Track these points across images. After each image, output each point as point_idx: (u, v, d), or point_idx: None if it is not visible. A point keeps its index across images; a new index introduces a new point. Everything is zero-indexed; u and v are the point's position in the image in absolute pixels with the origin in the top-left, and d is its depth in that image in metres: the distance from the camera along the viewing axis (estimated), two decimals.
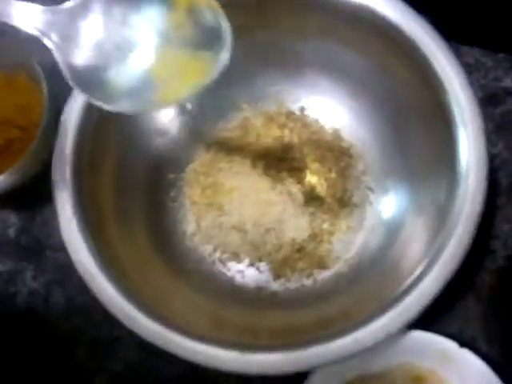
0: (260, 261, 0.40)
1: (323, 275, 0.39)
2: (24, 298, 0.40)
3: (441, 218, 0.32)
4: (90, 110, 0.36)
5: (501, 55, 0.43)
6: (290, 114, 0.42)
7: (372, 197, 0.40)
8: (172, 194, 0.42)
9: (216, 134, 0.42)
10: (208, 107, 0.41)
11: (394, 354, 0.35)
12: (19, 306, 0.40)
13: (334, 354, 0.30)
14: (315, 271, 0.39)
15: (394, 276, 0.34)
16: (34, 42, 0.45)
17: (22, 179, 0.40)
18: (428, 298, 0.31)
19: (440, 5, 0.39)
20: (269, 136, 0.42)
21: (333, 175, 0.40)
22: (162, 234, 0.40)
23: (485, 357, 0.35)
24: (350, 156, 0.41)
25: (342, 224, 0.40)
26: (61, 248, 0.41)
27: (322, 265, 0.39)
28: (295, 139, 0.41)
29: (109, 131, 0.38)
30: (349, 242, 0.39)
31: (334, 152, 0.41)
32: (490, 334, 0.38)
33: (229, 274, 0.40)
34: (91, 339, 0.39)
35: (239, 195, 0.41)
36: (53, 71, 0.41)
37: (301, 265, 0.39)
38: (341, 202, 0.40)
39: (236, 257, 0.40)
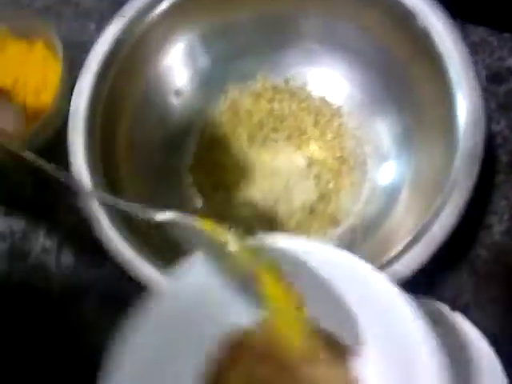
0: (275, 230, 0.41)
1: (337, 232, 0.40)
2: (36, 255, 0.42)
3: (439, 177, 0.34)
4: (104, 77, 0.38)
5: (506, 35, 0.43)
6: (275, 88, 0.43)
7: (370, 150, 0.41)
8: (176, 178, 0.42)
9: (207, 121, 0.43)
10: (196, 94, 0.43)
11: None
12: (32, 261, 0.42)
13: None
14: (329, 229, 0.40)
15: (397, 228, 0.37)
16: (50, 12, 0.47)
17: (37, 144, 0.42)
18: (425, 257, 0.33)
19: None
20: (259, 111, 0.43)
21: (328, 136, 0.42)
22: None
23: (476, 325, 0.36)
24: (341, 115, 0.42)
25: (346, 181, 0.41)
26: (72, 208, 0.43)
27: (334, 222, 0.40)
28: (286, 110, 0.43)
29: (118, 109, 0.40)
30: (355, 197, 0.41)
31: (325, 115, 0.42)
32: (483, 305, 0.39)
33: None
34: (100, 293, 0.41)
35: (243, 172, 0.42)
36: (68, 41, 0.43)
37: (314, 226, 0.40)
38: (341, 160, 0.41)
39: (250, 231, 0.41)
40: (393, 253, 0.33)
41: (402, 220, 0.38)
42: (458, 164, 0.34)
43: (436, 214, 0.34)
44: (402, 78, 0.39)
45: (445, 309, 0.35)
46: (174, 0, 0.39)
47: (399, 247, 0.33)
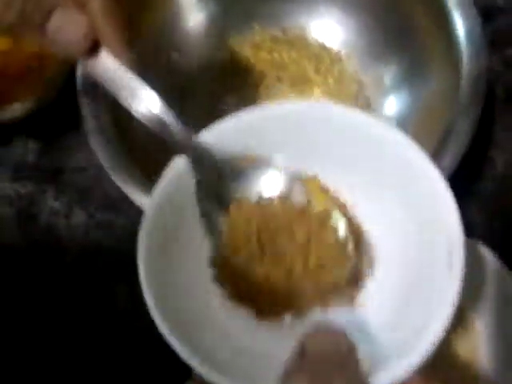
0: None
1: None
2: (46, 217, 0.42)
3: (446, 106, 0.35)
4: None
5: None
6: (273, 38, 0.44)
7: (372, 92, 0.42)
8: None
9: (211, 76, 0.43)
10: (196, 49, 0.43)
11: None
12: (41, 224, 0.41)
13: None
14: None
15: None
16: None
17: (39, 105, 0.42)
18: None
19: None
20: (261, 61, 0.44)
21: (330, 81, 0.43)
22: None
23: None
24: (341, 60, 0.43)
25: None
26: (80, 170, 0.43)
27: None
28: (286, 59, 0.44)
29: None
30: None
31: (325, 61, 0.43)
32: (493, 236, 0.39)
33: None
34: (112, 251, 0.41)
35: None
36: None
37: None
38: (346, 103, 0.42)
39: None
40: None
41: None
42: (465, 88, 0.34)
43: (443, 143, 0.34)
44: (399, 15, 0.40)
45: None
46: None
47: None
